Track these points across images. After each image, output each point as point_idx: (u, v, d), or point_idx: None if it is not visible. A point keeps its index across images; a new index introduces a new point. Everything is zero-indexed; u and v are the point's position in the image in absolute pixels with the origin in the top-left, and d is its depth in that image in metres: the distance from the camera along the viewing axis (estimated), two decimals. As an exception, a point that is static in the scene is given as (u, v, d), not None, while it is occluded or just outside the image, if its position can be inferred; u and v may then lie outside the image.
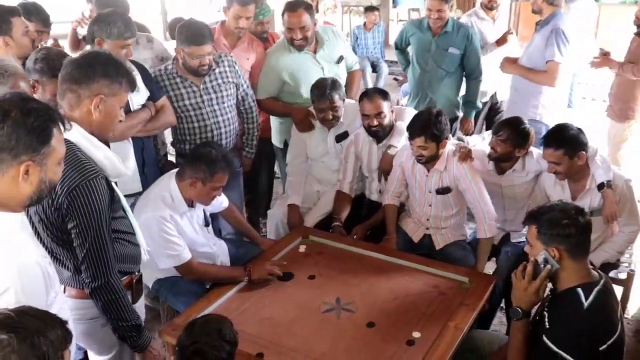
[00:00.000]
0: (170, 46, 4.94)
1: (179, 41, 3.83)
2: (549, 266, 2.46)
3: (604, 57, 5.23)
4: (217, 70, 4.01)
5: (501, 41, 5.62)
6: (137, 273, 2.73)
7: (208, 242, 3.59)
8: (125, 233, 2.61)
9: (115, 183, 2.58)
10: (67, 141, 2.18)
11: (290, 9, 4.28)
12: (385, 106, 3.90)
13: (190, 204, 3.41)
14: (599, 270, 2.54)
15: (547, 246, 2.46)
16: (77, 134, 2.36)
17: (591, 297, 2.37)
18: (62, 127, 2.00)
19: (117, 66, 2.48)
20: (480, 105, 5.49)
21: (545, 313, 2.51)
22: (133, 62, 3.72)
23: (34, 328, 1.59)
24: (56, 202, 2.31)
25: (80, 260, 2.41)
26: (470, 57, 5.10)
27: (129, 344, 2.61)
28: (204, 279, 3.45)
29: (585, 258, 2.47)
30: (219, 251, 3.66)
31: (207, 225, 3.63)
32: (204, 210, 3.59)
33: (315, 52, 4.47)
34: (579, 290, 2.40)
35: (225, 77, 4.06)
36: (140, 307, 2.81)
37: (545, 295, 2.59)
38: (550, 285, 2.56)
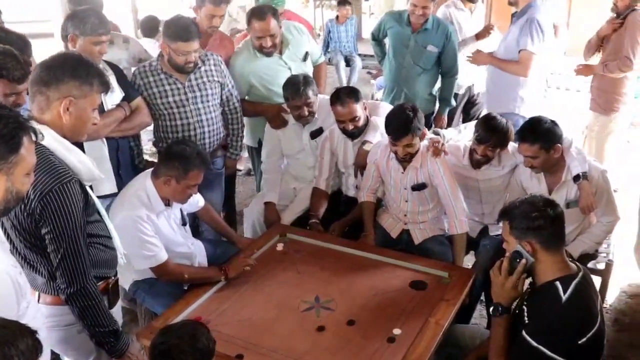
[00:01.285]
0: (142, 44, 4.90)
1: (165, 36, 3.78)
2: (524, 260, 2.45)
3: (586, 67, 5.25)
4: (202, 69, 3.96)
5: (481, 35, 5.61)
6: (113, 277, 2.68)
7: (186, 242, 3.55)
8: (100, 237, 2.56)
9: (91, 187, 2.53)
10: (39, 145, 2.15)
11: (258, 16, 4.18)
12: (358, 109, 3.87)
13: (167, 203, 3.37)
14: (577, 263, 2.53)
15: (520, 240, 2.45)
16: (49, 138, 2.29)
17: (569, 291, 2.36)
18: (33, 137, 1.95)
19: (88, 67, 2.41)
20: (454, 103, 5.49)
21: (524, 307, 2.51)
22: (107, 62, 3.69)
23: (4, 339, 1.56)
24: (29, 208, 2.25)
25: (55, 267, 2.36)
26: (447, 55, 5.07)
27: (106, 350, 2.56)
28: (180, 280, 3.40)
29: (560, 250, 2.46)
30: (196, 251, 3.62)
31: (184, 224, 3.59)
32: (180, 210, 3.55)
33: (281, 53, 4.42)
34: (557, 283, 2.39)
35: (211, 76, 4.00)
36: (117, 311, 2.77)
37: (525, 289, 2.58)
38: (530, 279, 2.56)
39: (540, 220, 2.40)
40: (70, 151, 2.37)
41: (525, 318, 2.45)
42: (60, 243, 2.31)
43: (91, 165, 2.45)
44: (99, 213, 2.58)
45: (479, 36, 5.61)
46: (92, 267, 2.46)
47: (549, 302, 2.38)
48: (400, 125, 3.54)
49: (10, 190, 1.91)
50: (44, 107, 2.35)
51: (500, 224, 2.60)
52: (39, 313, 2.25)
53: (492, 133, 3.67)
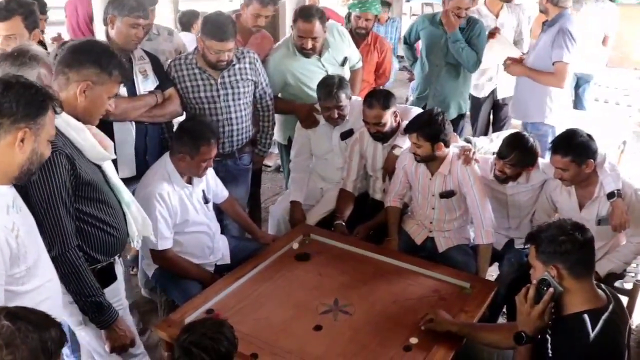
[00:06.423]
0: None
1: (202, 31, 3.79)
2: (551, 289, 2.33)
3: None
4: (237, 66, 3.95)
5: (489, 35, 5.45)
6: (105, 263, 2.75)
7: (208, 222, 3.61)
8: (103, 222, 2.66)
9: (102, 171, 2.67)
10: None
11: (304, 17, 4.19)
12: (386, 115, 3.83)
13: (189, 181, 3.46)
14: (608, 291, 2.40)
15: (546, 265, 2.34)
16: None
17: (598, 327, 2.24)
18: (55, 109, 2.14)
19: (111, 57, 2.60)
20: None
21: (548, 337, 2.39)
22: (146, 52, 3.75)
23: (38, 323, 1.65)
24: None
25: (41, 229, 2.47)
26: (475, 48, 4.99)
27: (90, 319, 2.63)
28: (172, 270, 3.47)
29: (589, 278, 2.34)
30: (220, 244, 3.69)
31: (206, 202, 3.64)
32: (203, 191, 3.61)
33: (320, 54, 4.40)
34: (585, 316, 2.27)
35: (245, 74, 3.99)
36: (115, 290, 2.82)
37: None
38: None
39: (568, 245, 2.29)
40: (75, 129, 2.52)
41: (549, 351, 2.35)
42: (40, 207, 2.43)
43: (97, 145, 2.59)
44: (118, 200, 2.73)
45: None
46: (88, 247, 2.61)
47: (576, 337, 2.28)
48: (414, 122, 3.63)
49: (36, 151, 2.11)
50: (63, 86, 2.54)
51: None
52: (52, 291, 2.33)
53: (513, 149, 3.56)
